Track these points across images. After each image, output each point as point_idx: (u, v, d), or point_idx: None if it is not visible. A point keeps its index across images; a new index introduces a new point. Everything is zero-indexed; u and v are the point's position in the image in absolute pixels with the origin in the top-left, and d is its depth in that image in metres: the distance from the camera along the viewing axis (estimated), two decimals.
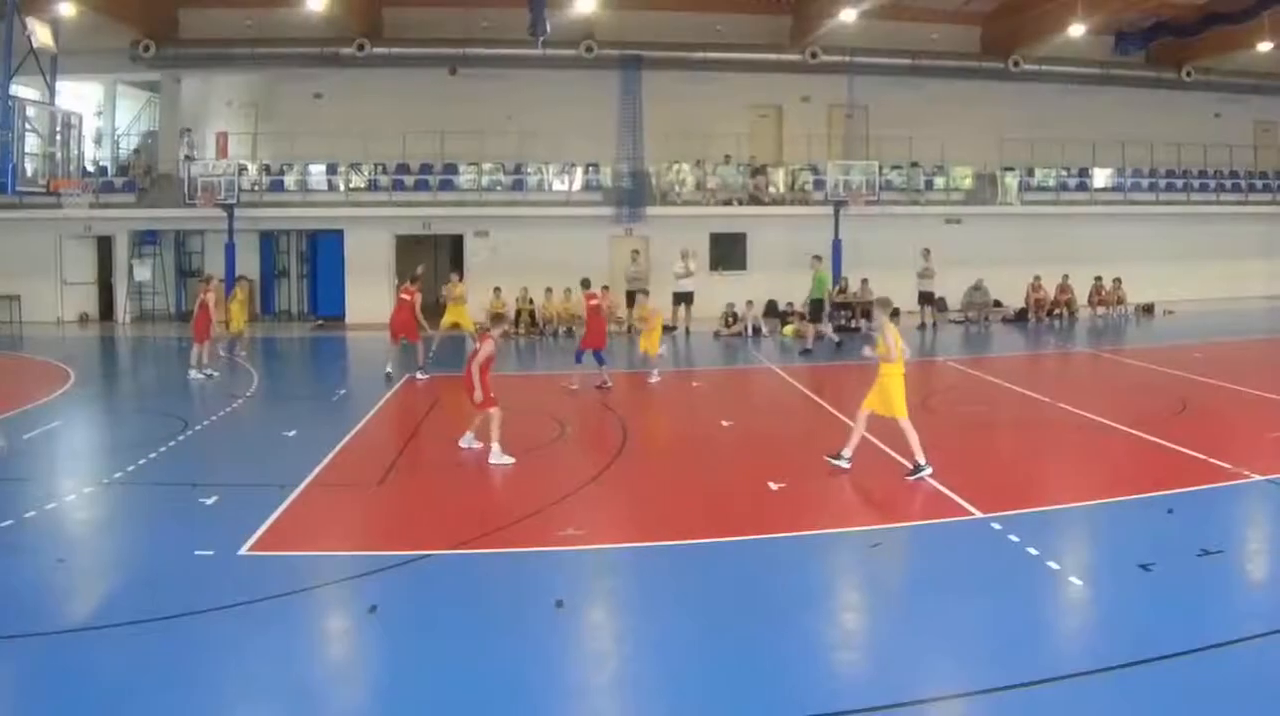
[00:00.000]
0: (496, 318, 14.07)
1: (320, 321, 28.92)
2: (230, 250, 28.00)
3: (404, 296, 19.09)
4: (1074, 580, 8.31)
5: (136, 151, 31.24)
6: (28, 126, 19.31)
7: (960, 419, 15.49)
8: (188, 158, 28.95)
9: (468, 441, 12.82)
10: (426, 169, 29.12)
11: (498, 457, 12.13)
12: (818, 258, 24.56)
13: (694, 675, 6.89)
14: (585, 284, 19.43)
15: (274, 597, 8.24)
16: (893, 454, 12.31)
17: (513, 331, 25.97)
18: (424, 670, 7.01)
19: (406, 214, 28.52)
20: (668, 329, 25.20)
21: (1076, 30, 26.69)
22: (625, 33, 28.33)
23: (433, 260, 31.11)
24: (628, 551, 9.59)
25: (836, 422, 14.90)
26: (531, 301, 26.97)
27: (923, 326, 26.31)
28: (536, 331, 26.49)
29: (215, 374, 19.38)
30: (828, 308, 24.46)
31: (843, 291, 27.05)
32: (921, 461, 11.25)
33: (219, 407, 16.64)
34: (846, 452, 11.57)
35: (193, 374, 18.93)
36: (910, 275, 26.71)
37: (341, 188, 29.08)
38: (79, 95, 29.30)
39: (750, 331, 25.61)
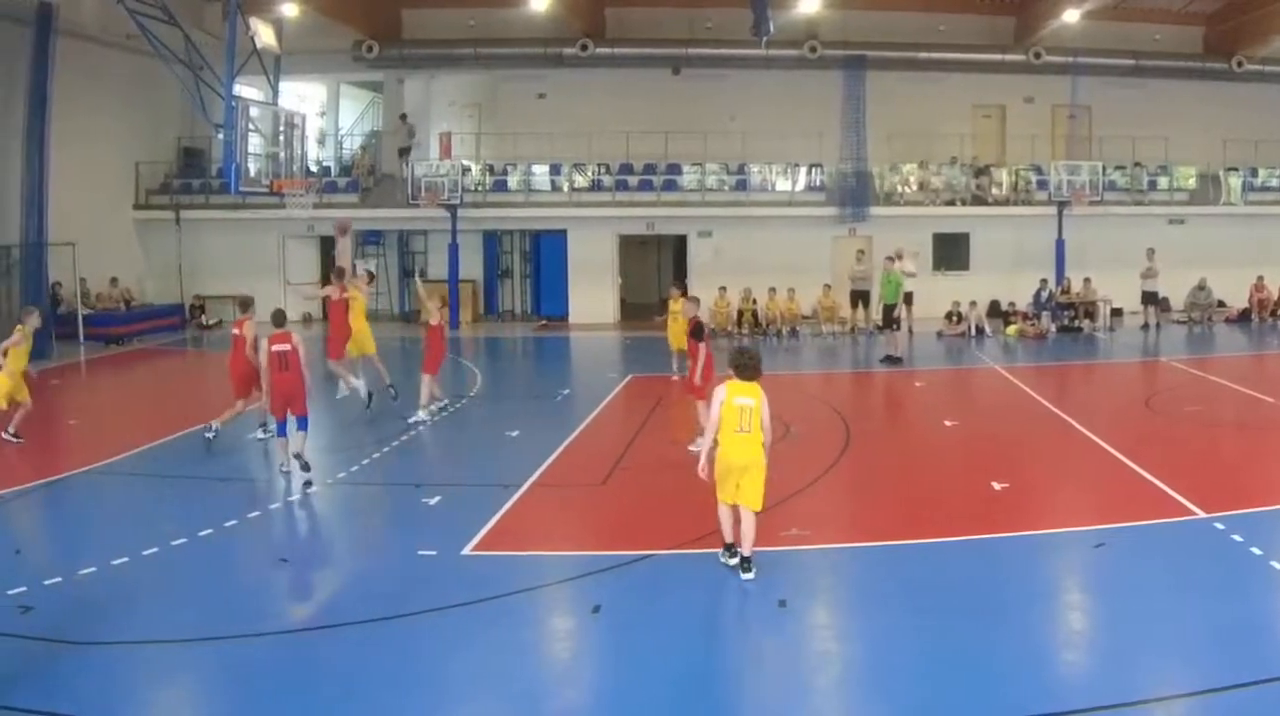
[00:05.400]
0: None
1: (544, 321, 31.46)
2: (454, 251, 30.47)
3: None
4: None
5: (363, 148, 33.84)
6: (251, 126, 21.24)
7: (1184, 419, 16.66)
8: (403, 149, 31.35)
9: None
10: (650, 169, 31.39)
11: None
12: (890, 257, 24.29)
13: (916, 675, 7.38)
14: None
15: (497, 597, 8.84)
16: (1118, 454, 13.49)
17: (735, 331, 29.03)
18: (648, 670, 7.54)
19: (630, 214, 30.89)
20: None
21: None
22: (848, 32, 30.58)
23: (656, 261, 34.97)
24: (851, 551, 10.26)
25: (1061, 423, 16.05)
26: (755, 302, 29.29)
27: (1146, 326, 28.39)
28: (760, 331, 28.78)
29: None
30: (904, 312, 24.21)
31: (1066, 291, 29.21)
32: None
33: (443, 408, 17.63)
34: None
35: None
36: (1133, 275, 28.83)
37: (565, 188, 31.50)
38: (302, 96, 32.27)
39: (973, 331, 27.77)
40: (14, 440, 14.92)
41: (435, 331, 16.88)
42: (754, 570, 9.29)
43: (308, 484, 12.81)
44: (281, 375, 12.98)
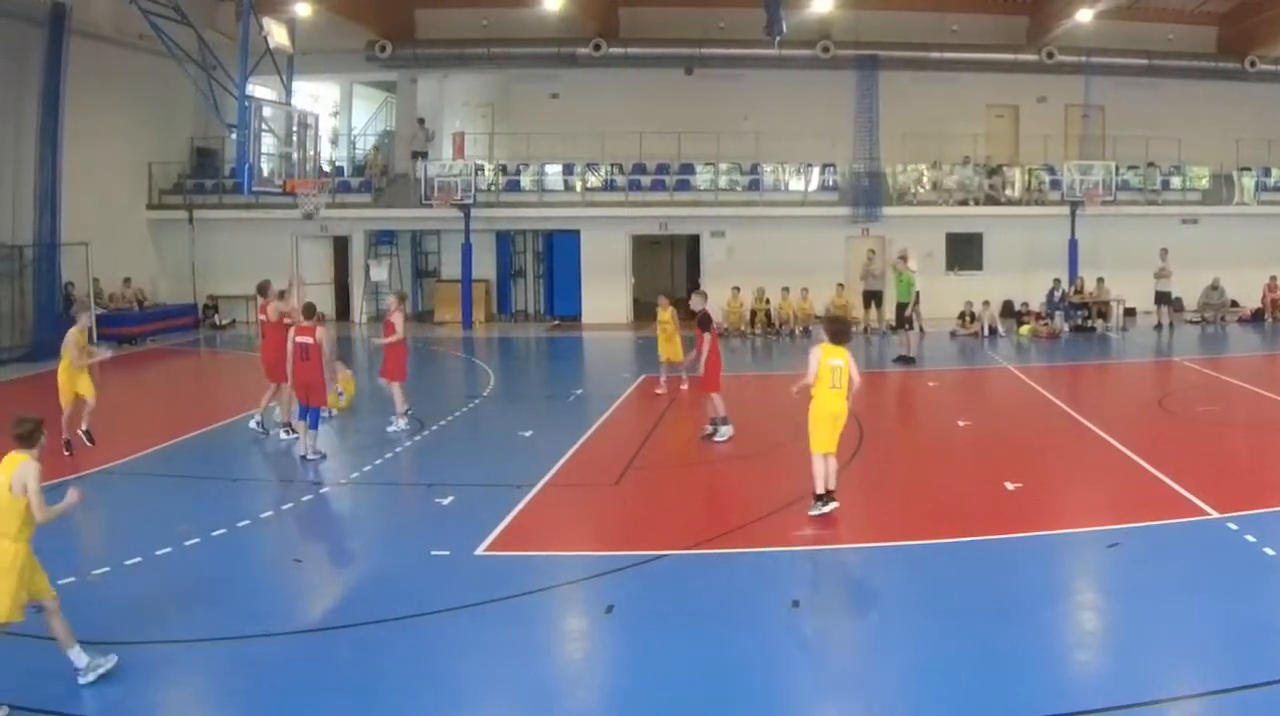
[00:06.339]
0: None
1: (556, 321, 31.28)
2: (467, 250, 30.30)
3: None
4: None
5: (375, 148, 33.67)
6: (264, 126, 20.87)
7: (1197, 419, 16.59)
8: (417, 153, 31.09)
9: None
10: (663, 169, 31.19)
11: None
12: (903, 257, 23.99)
13: (929, 674, 7.36)
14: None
15: (511, 597, 8.81)
16: (1131, 454, 13.39)
17: (749, 331, 29.05)
18: (661, 670, 7.49)
19: (643, 214, 30.72)
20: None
21: None
22: (861, 32, 30.23)
23: (669, 261, 34.51)
24: (864, 551, 10.27)
25: (1074, 423, 16.01)
26: (768, 301, 29.12)
27: (1159, 326, 28.22)
28: (773, 331, 28.71)
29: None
30: (914, 314, 23.66)
31: (1079, 291, 29.01)
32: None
33: (456, 408, 17.72)
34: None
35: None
36: (1147, 275, 28.71)
37: (578, 188, 31.39)
38: (315, 95, 32.07)
39: (987, 331, 27.58)
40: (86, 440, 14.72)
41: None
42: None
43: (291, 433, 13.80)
44: (302, 365, 13.41)
